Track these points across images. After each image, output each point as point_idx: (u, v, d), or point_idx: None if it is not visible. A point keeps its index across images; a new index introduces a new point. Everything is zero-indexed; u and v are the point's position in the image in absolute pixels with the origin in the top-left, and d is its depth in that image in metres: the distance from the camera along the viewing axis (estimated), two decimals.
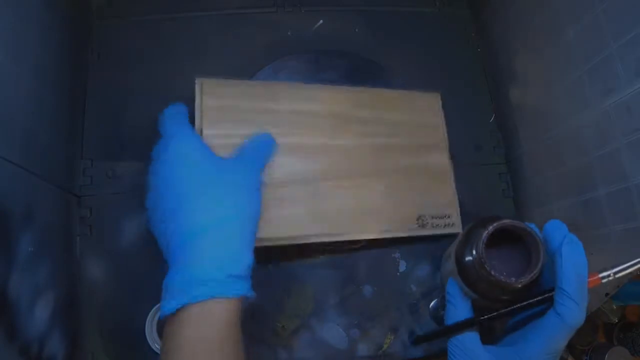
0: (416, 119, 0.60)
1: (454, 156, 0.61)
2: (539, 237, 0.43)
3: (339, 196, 0.54)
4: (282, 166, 0.52)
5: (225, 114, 0.51)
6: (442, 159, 0.60)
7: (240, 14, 0.45)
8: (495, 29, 0.66)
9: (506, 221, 0.44)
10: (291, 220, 0.51)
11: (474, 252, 0.45)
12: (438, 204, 0.58)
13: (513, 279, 0.43)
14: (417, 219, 0.57)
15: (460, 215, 0.59)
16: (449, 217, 0.58)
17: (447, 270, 0.51)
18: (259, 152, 0.49)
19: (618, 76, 0.44)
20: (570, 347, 0.69)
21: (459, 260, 0.47)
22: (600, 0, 0.45)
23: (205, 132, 0.49)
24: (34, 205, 0.45)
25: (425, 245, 0.59)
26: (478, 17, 0.69)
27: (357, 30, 0.67)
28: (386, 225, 0.56)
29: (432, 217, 0.57)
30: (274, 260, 0.56)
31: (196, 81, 0.50)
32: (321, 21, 0.66)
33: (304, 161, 0.53)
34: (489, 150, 0.65)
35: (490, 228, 0.44)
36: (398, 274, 0.58)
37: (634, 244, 0.44)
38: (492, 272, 0.43)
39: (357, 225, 0.54)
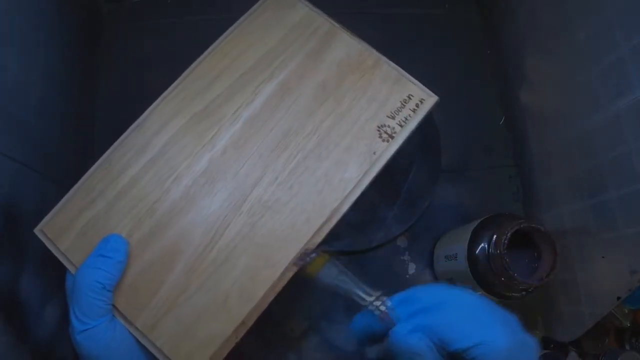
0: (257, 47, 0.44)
1: (464, 160, 0.60)
2: (552, 237, 0.44)
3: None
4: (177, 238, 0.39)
5: (87, 236, 0.39)
6: (340, 48, 0.44)
7: None
8: (504, 30, 0.65)
9: (524, 222, 0.46)
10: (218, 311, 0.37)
11: (491, 251, 0.46)
12: (384, 95, 0.42)
13: (536, 281, 0.45)
14: (379, 134, 0.41)
15: (468, 219, 0.57)
16: (411, 97, 0.42)
17: (453, 271, 0.51)
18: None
19: (630, 78, 0.43)
20: (581, 352, 0.69)
21: (473, 261, 0.48)
22: (611, 2, 0.45)
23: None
24: (45, 208, 0.46)
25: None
26: (487, 19, 0.69)
27: (365, 32, 0.67)
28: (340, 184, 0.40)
29: (393, 114, 0.42)
30: None
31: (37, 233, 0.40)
32: None
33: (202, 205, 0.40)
34: (499, 153, 0.65)
35: (512, 230, 0.46)
36: (407, 276, 0.58)
37: None
38: (515, 275, 0.45)
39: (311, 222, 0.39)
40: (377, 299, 0.33)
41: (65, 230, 0.39)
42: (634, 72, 0.43)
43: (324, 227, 0.39)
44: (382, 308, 0.33)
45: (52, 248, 0.39)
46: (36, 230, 0.39)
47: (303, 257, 0.37)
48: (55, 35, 0.52)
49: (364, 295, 0.34)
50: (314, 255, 0.37)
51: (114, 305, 0.37)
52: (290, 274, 0.38)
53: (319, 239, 0.38)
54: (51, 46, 0.51)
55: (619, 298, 0.46)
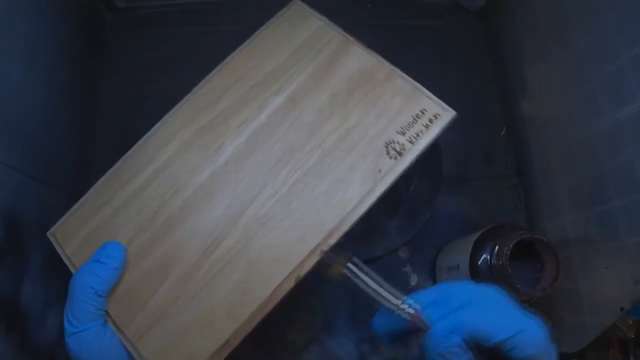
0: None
1: (465, 168, 0.60)
2: (554, 247, 0.44)
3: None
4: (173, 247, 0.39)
5: (91, 242, 0.40)
6: (352, 61, 0.43)
7: (257, 28, 0.45)
8: (505, 40, 0.66)
9: (526, 233, 0.46)
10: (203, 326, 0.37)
11: (494, 262, 0.46)
12: (396, 109, 0.40)
13: (538, 291, 0.45)
14: (387, 151, 0.39)
15: (470, 229, 0.56)
16: (424, 111, 0.40)
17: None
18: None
19: (631, 86, 0.43)
20: None
21: (475, 272, 0.47)
22: (611, 10, 0.45)
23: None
24: (48, 216, 0.46)
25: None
26: (487, 29, 0.69)
27: (365, 39, 0.67)
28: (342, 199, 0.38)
29: (403, 130, 0.39)
30: None
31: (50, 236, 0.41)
32: None
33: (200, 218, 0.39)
34: (500, 163, 0.65)
35: (514, 240, 0.45)
36: (409, 287, 0.58)
37: None
38: (518, 286, 0.45)
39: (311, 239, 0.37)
40: (404, 302, 0.33)
41: (73, 234, 0.41)
42: (635, 81, 0.43)
43: (320, 247, 0.37)
44: (412, 311, 0.32)
45: (60, 251, 0.40)
46: (48, 234, 0.41)
47: (323, 254, 0.36)
48: (59, 43, 0.53)
49: (390, 298, 0.33)
50: (332, 255, 0.36)
51: (106, 312, 0.37)
52: (283, 292, 0.36)
53: (315, 258, 0.37)
54: (52, 49, 0.51)
55: (622, 309, 0.45)
